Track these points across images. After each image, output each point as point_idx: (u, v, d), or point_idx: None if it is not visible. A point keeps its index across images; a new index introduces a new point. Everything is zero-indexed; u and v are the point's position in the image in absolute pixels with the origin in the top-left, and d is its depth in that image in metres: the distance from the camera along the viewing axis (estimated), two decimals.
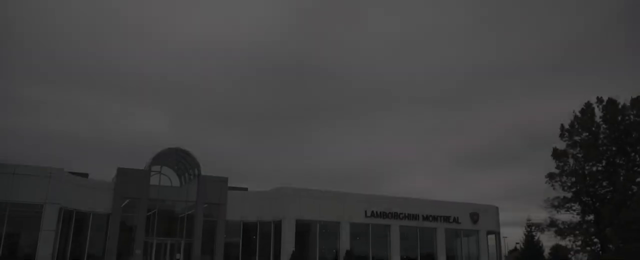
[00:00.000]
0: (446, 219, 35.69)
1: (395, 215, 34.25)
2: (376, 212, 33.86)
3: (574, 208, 50.37)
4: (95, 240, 30.24)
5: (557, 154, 51.19)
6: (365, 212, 33.71)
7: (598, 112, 48.68)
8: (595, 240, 48.29)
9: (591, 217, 49.30)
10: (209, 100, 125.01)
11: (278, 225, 32.54)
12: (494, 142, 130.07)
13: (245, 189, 35.74)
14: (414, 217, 34.79)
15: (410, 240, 35.06)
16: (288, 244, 31.41)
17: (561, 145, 50.49)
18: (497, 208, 38.50)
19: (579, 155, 48.80)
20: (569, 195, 49.59)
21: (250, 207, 33.31)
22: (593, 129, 48.60)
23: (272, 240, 32.61)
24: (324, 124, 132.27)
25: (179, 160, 33.02)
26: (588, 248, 49.42)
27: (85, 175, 31.81)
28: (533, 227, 53.13)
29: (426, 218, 35.15)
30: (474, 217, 36.42)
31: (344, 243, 32.63)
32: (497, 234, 38.32)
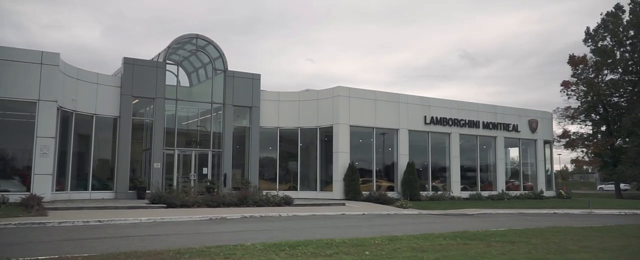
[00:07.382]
0: (505, 126, 31.14)
1: (456, 122, 29.19)
2: (436, 119, 28.59)
3: (588, 119, 48.29)
4: (102, 150, 23.07)
5: (574, 61, 47.93)
6: (425, 118, 28.36)
7: (626, 17, 45.47)
8: (608, 151, 46.79)
9: (604, 127, 47.58)
10: (143, 7, 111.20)
11: (325, 133, 26.64)
12: (435, 59, 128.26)
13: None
14: (475, 124, 29.96)
15: (468, 150, 30.45)
16: (343, 155, 25.70)
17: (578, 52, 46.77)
18: (551, 114, 34.53)
19: (599, 61, 45.77)
20: (582, 105, 47.23)
21: (288, 112, 26.98)
22: (619, 30, 45.40)
23: (319, 150, 26.73)
24: (267, 37, 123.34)
25: (193, 52, 25.64)
26: (599, 160, 48.09)
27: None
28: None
29: (486, 126, 30.43)
30: (533, 125, 32.17)
31: (403, 155, 27.40)
32: (550, 143, 34.54)
